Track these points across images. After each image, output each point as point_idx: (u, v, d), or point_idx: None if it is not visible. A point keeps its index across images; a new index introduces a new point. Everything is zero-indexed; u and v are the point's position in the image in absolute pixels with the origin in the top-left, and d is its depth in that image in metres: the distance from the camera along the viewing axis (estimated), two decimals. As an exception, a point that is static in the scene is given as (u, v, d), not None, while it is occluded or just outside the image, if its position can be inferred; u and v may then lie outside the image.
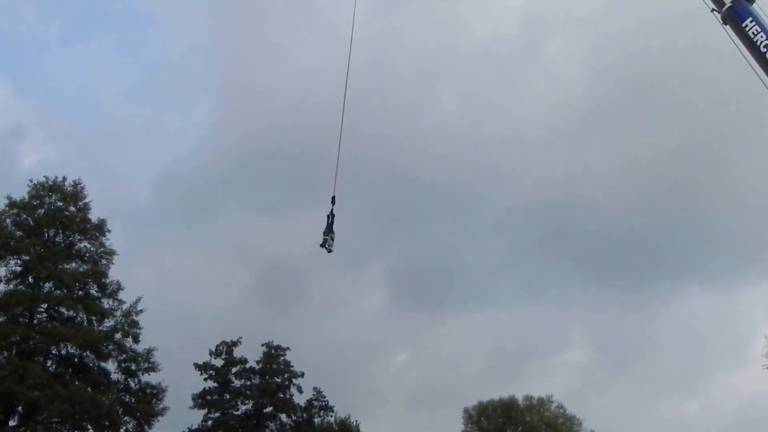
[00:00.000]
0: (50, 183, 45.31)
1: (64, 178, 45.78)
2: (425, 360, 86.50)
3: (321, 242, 22.95)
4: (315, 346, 75.83)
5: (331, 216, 23.41)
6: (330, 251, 23.07)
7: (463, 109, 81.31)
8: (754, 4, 18.31)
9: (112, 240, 46.63)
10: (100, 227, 45.68)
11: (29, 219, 44.42)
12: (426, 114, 78.89)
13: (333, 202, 23.66)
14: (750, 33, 17.81)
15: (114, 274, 46.19)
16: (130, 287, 46.77)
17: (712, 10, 19.06)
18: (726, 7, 18.59)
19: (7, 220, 44.15)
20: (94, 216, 45.99)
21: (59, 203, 45.18)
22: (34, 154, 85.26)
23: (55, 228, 44.95)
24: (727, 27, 18.56)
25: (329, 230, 23.20)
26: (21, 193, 45.01)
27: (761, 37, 17.56)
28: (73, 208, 45.36)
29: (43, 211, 44.80)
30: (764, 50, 17.35)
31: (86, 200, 45.98)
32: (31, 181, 45.46)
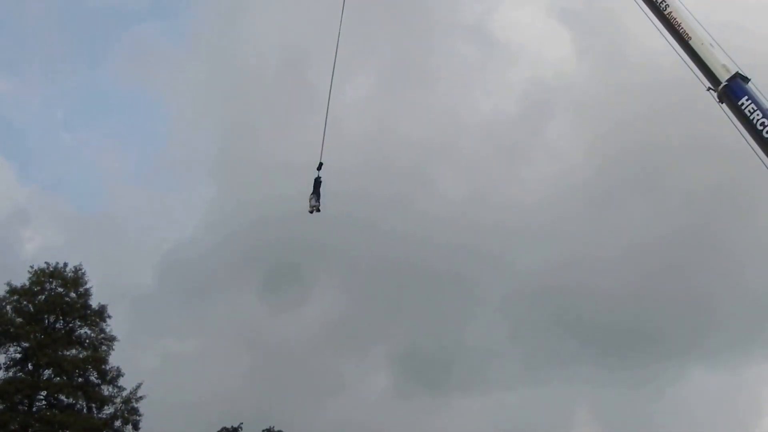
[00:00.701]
0: (51, 269, 45.28)
1: (65, 264, 45.85)
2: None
3: (309, 209, 25.07)
4: (317, 430, 74.47)
5: (317, 181, 25.29)
6: (315, 211, 25.10)
7: (463, 195, 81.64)
8: (750, 83, 18.47)
9: (113, 325, 46.38)
10: (101, 313, 45.46)
11: (30, 305, 44.26)
12: (425, 201, 79.20)
13: (319, 168, 25.42)
14: (746, 111, 17.90)
15: (114, 359, 45.77)
16: (131, 373, 46.28)
17: (708, 88, 19.21)
18: (722, 85, 18.73)
19: (8, 307, 44.05)
20: (94, 302, 45.85)
21: (60, 289, 45.05)
22: (36, 239, 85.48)
23: (56, 314, 44.69)
24: (724, 105, 18.69)
25: (315, 193, 25.15)
26: (22, 278, 45.06)
27: (757, 115, 17.65)
28: (73, 294, 45.20)
29: (43, 297, 44.64)
30: (760, 128, 17.44)
31: (87, 286, 45.92)
32: (32, 267, 45.51)
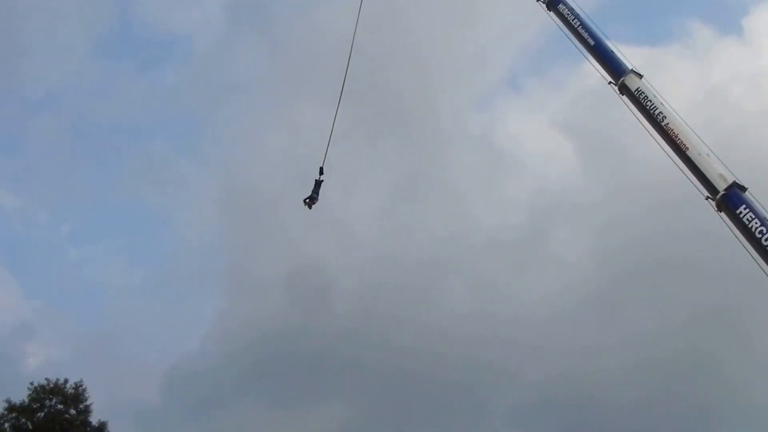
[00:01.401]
0: (51, 385, 44.78)
1: (66, 381, 45.41)
2: None
3: (306, 200, 27.43)
4: None
5: (318, 182, 27.73)
6: (310, 205, 27.42)
7: (470, 308, 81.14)
8: (747, 192, 18.24)
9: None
10: (101, 430, 44.72)
11: (28, 423, 43.51)
12: (432, 315, 78.81)
13: (321, 173, 27.89)
14: (744, 220, 17.57)
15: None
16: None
17: (707, 197, 19.00)
18: (720, 194, 18.49)
19: (6, 425, 43.31)
20: (95, 418, 45.22)
21: (60, 406, 44.47)
22: (40, 354, 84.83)
23: (55, 432, 43.83)
24: (722, 214, 18.40)
25: (315, 192, 27.56)
26: (23, 394, 44.52)
27: (756, 223, 17.28)
28: (73, 411, 44.66)
29: (42, 414, 43.97)
30: (759, 236, 17.05)
31: (87, 402, 45.37)
32: (31, 384, 45.00)
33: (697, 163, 19.37)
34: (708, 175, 19.04)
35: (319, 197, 27.30)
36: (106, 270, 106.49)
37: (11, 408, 43.62)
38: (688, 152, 19.66)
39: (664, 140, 20.47)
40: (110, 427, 45.85)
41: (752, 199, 17.97)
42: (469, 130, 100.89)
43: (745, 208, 17.79)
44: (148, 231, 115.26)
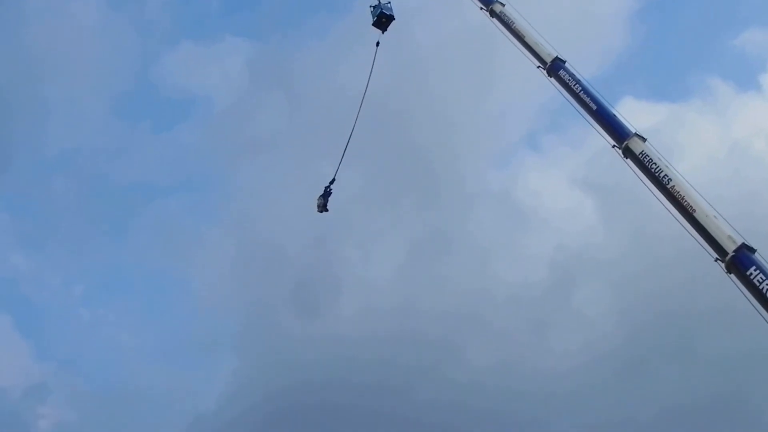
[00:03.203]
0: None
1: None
2: None
3: (318, 208, 30.85)
4: None
5: (329, 188, 30.85)
6: (323, 210, 30.80)
7: (492, 362, 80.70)
8: (756, 253, 18.57)
9: None
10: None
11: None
12: (454, 369, 78.42)
13: (332, 182, 30.97)
14: (755, 281, 17.83)
15: None
16: None
17: (716, 259, 19.30)
18: (729, 256, 18.78)
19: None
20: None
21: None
22: (52, 416, 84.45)
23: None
24: (732, 276, 18.72)
25: (325, 198, 30.68)
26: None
27: (767, 284, 17.58)
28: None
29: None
30: (770, 297, 17.31)
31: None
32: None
33: (705, 225, 19.68)
34: (716, 237, 19.33)
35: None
36: (119, 331, 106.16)
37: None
38: (695, 214, 19.97)
39: (671, 203, 20.83)
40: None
41: (762, 260, 18.27)
42: (490, 187, 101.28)
43: (755, 270, 18.02)
44: (162, 291, 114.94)
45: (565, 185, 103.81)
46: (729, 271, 18.83)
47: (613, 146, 23.16)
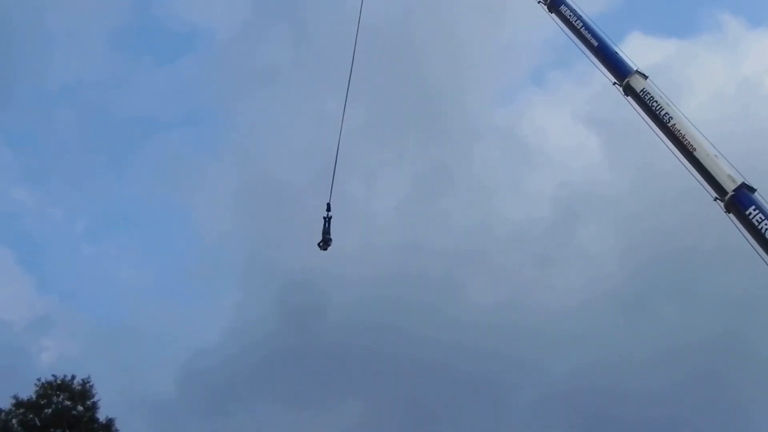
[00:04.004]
0: (58, 382, 45.16)
1: (73, 377, 45.75)
2: None
3: (320, 244, 26.78)
4: None
5: (327, 220, 27.02)
6: (324, 249, 26.82)
7: (494, 301, 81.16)
8: (756, 193, 18.72)
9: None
10: (108, 427, 45.01)
11: (36, 419, 43.92)
12: (456, 307, 78.81)
13: (328, 209, 27.21)
14: (754, 221, 17.99)
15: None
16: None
17: (715, 198, 19.44)
18: (728, 195, 18.91)
19: (14, 420, 43.68)
20: (102, 415, 45.48)
21: (67, 402, 44.81)
22: (54, 349, 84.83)
23: (62, 428, 44.06)
24: (731, 215, 18.89)
25: (326, 233, 26.85)
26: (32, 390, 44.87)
27: (765, 224, 17.72)
28: (80, 407, 44.94)
29: (50, 410, 44.29)
30: (769, 237, 17.51)
31: (95, 399, 45.61)
32: (38, 380, 45.35)
33: (704, 164, 19.72)
34: (716, 177, 19.39)
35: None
36: (121, 265, 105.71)
37: (19, 404, 43.92)
38: (695, 153, 20.00)
39: (671, 141, 20.87)
40: (125, 421, 46.80)
41: (762, 200, 18.43)
42: (495, 123, 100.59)
43: (754, 209, 18.15)
44: (165, 225, 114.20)
45: (569, 122, 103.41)
46: (728, 210, 18.96)
47: (614, 83, 23.09)
